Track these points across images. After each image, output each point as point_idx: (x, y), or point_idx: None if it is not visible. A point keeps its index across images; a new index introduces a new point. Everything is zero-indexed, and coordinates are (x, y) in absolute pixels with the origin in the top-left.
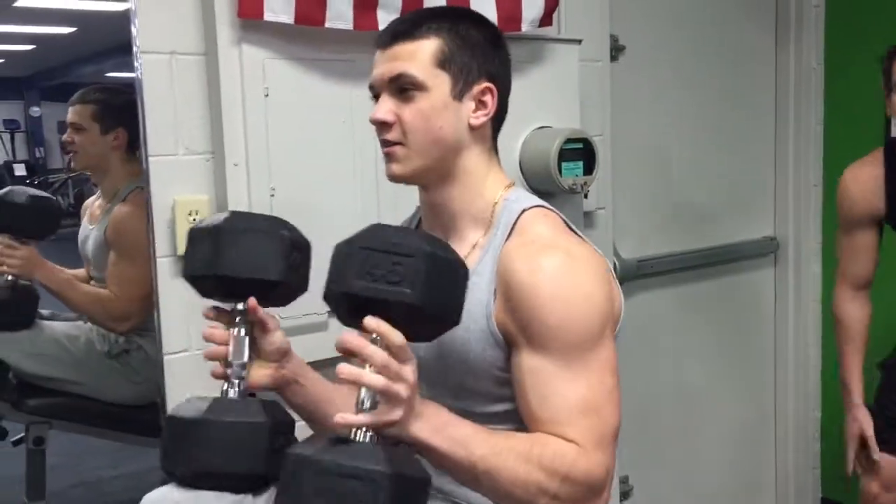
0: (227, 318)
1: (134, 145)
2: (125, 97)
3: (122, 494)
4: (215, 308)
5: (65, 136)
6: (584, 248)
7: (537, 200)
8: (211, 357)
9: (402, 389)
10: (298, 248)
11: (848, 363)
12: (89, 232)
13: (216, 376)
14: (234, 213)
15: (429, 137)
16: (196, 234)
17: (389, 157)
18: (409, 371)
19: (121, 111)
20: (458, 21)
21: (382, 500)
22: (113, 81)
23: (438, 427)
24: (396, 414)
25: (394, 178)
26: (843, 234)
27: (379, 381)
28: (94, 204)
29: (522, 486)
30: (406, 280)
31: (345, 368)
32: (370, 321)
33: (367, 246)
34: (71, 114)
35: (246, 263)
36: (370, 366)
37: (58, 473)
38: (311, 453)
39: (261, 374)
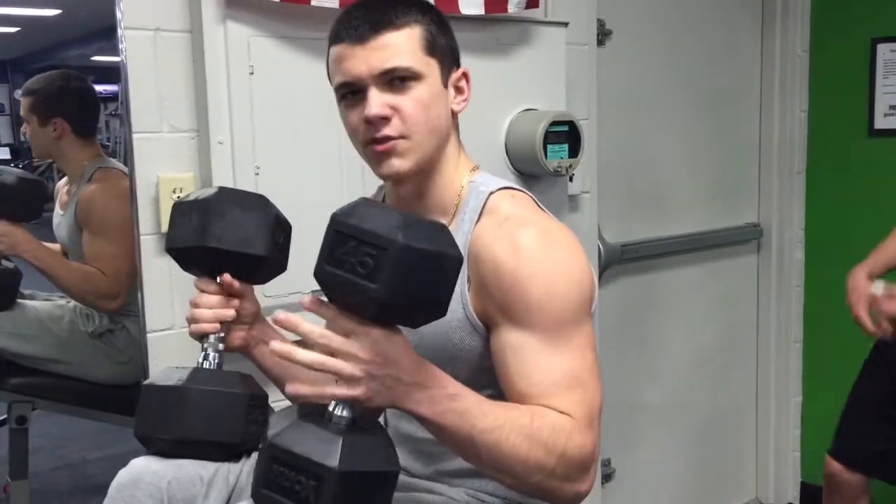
0: (214, 290)
1: (82, 130)
2: (59, 85)
3: (106, 476)
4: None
5: (22, 128)
6: (559, 225)
7: (504, 182)
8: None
9: (346, 367)
10: (282, 226)
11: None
12: (61, 219)
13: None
14: (222, 189)
15: (429, 127)
16: (183, 207)
17: (388, 154)
18: (354, 346)
19: (56, 101)
20: (425, 3)
21: (323, 497)
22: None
23: (441, 400)
24: (357, 391)
25: (397, 176)
26: None
27: (307, 356)
28: (63, 189)
29: (522, 463)
30: (374, 273)
31: (275, 345)
32: (279, 315)
33: (342, 230)
34: (21, 106)
35: (235, 237)
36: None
37: (41, 455)
38: (272, 433)
39: (235, 335)
